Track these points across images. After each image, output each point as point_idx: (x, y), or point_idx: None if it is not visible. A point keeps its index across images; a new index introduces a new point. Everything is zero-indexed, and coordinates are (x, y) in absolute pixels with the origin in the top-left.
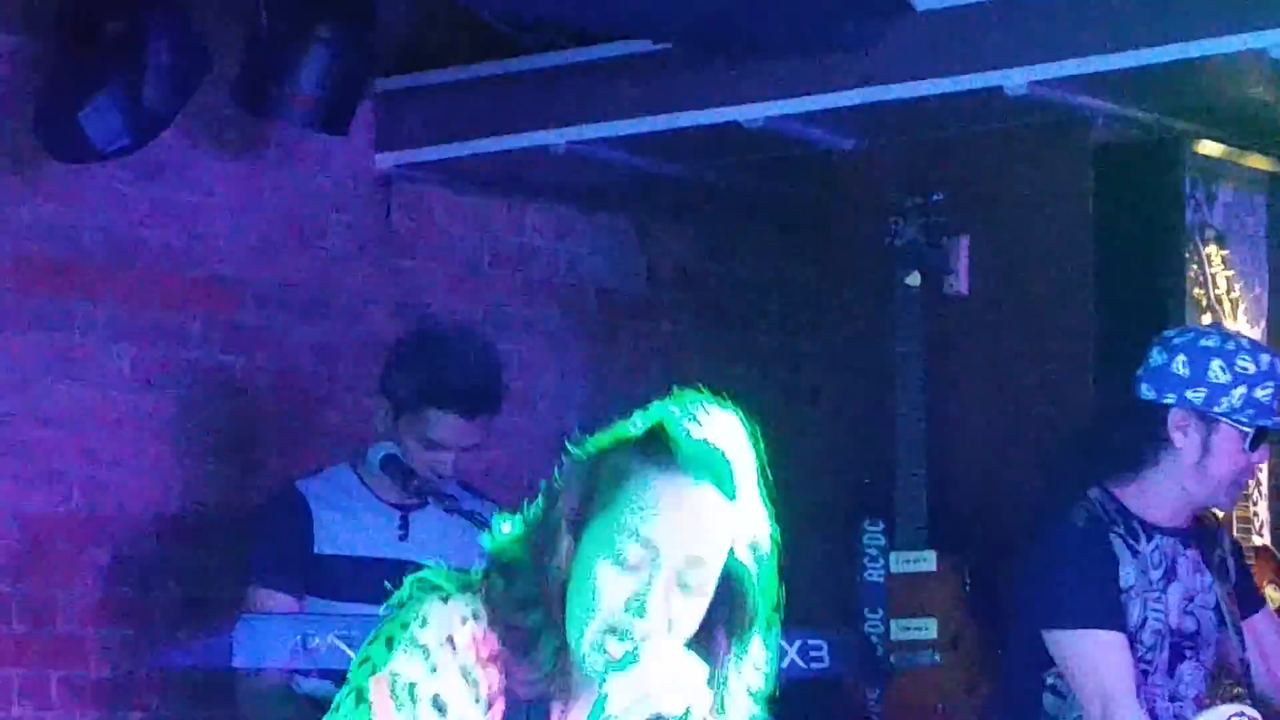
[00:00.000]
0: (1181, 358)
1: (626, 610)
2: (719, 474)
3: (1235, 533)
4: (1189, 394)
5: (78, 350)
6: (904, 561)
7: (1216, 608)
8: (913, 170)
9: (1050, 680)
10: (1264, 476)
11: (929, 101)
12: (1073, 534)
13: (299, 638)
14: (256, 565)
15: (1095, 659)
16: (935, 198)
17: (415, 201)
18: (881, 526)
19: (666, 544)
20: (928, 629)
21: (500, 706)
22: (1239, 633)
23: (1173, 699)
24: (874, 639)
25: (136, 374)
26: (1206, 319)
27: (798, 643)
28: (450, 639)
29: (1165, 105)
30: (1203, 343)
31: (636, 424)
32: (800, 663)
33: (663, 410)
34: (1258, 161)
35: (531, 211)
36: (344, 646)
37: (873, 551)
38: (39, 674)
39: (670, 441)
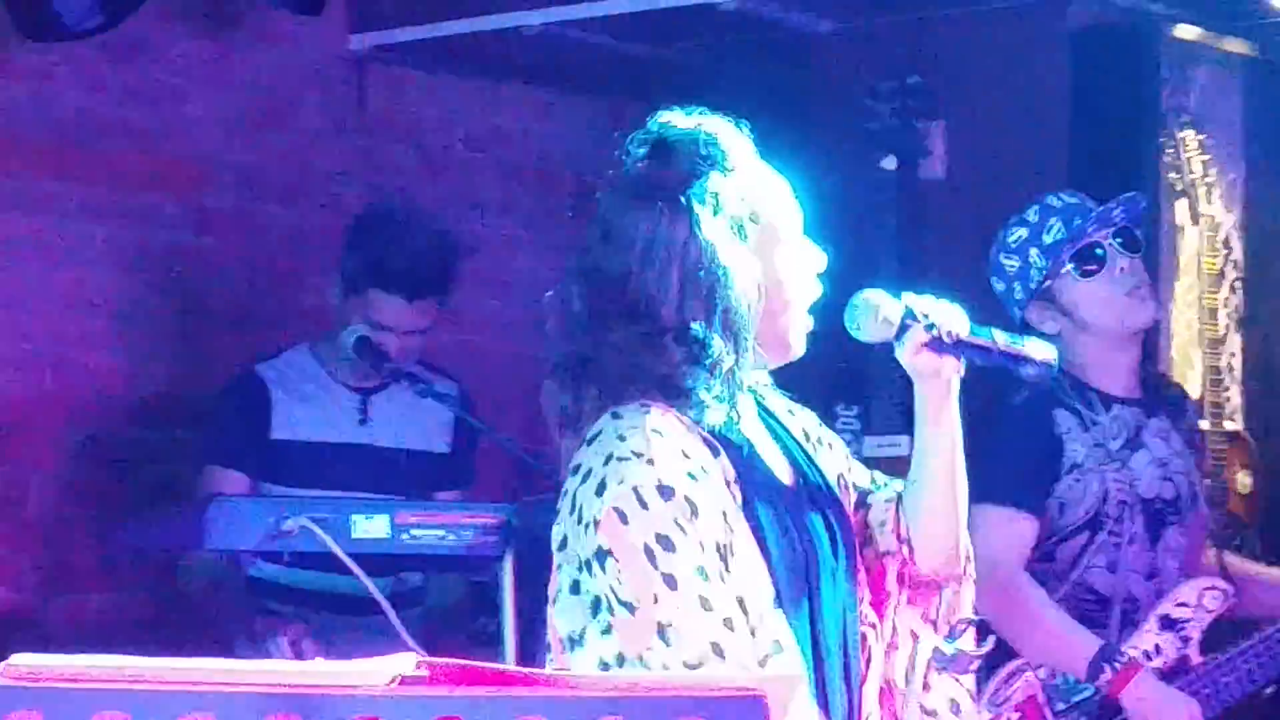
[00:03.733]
0: (993, 279)
1: (819, 276)
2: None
3: (1208, 418)
4: (1016, 295)
5: (51, 232)
6: (878, 446)
7: (1189, 477)
8: (889, 53)
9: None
10: (1237, 362)
11: None
12: (1007, 412)
13: (272, 519)
14: (210, 445)
15: (989, 533)
16: (911, 81)
17: (389, 83)
18: (856, 411)
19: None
20: None
21: (723, 463)
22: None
23: (1150, 575)
24: None
25: (110, 255)
26: (1181, 205)
27: None
28: (655, 430)
29: None
30: (990, 258)
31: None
32: None
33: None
34: (1234, 45)
35: (506, 94)
36: (317, 529)
37: (847, 436)
38: (12, 556)
39: (734, 139)
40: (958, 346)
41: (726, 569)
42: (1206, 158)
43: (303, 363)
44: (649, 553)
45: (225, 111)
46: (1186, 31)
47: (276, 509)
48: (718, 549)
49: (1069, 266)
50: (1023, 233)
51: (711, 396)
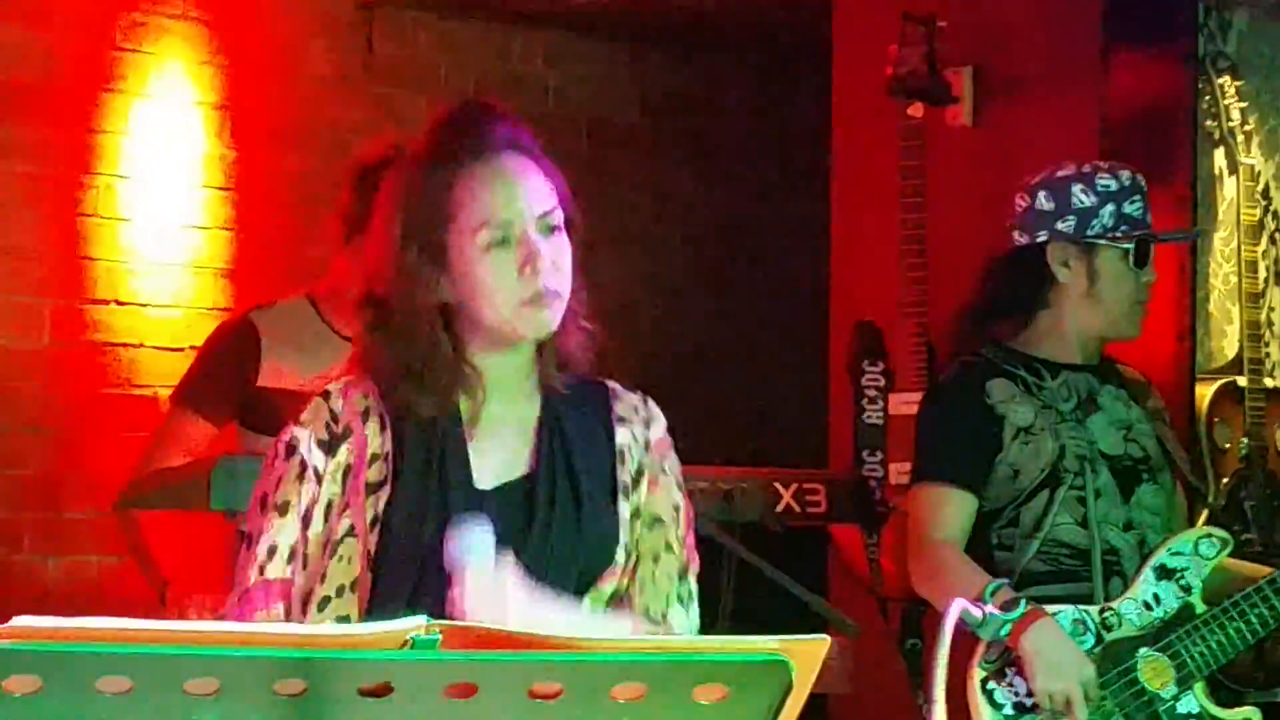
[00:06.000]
0: (1043, 194)
1: (524, 277)
2: (510, 138)
3: (1246, 374)
4: (1059, 225)
5: None
6: (904, 403)
7: (1160, 441)
8: None
9: (994, 539)
10: (1277, 316)
11: None
12: (937, 393)
13: None
14: (185, 385)
15: (922, 511)
16: (939, 25)
17: (398, 28)
18: (881, 367)
19: (515, 209)
20: None
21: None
22: (1187, 471)
23: (1128, 527)
24: (873, 482)
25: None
26: (1219, 154)
27: (794, 486)
28: (322, 395)
29: None
30: (1060, 174)
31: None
32: (796, 507)
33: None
34: None
35: (519, 38)
36: None
37: (872, 393)
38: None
39: (456, 132)
40: None
41: (311, 528)
42: (1245, 104)
43: (300, 311)
44: (252, 509)
45: (231, 58)
46: None
47: None
48: (305, 512)
49: (1129, 246)
50: (1111, 184)
51: (424, 366)
